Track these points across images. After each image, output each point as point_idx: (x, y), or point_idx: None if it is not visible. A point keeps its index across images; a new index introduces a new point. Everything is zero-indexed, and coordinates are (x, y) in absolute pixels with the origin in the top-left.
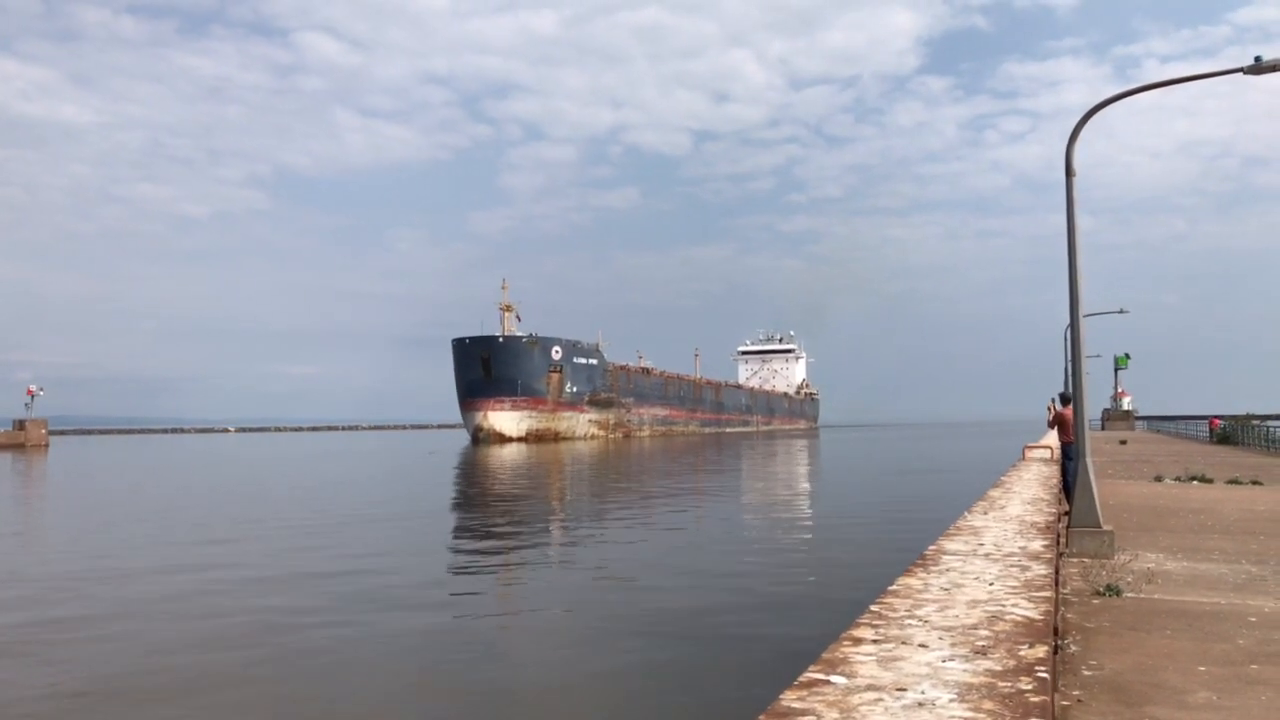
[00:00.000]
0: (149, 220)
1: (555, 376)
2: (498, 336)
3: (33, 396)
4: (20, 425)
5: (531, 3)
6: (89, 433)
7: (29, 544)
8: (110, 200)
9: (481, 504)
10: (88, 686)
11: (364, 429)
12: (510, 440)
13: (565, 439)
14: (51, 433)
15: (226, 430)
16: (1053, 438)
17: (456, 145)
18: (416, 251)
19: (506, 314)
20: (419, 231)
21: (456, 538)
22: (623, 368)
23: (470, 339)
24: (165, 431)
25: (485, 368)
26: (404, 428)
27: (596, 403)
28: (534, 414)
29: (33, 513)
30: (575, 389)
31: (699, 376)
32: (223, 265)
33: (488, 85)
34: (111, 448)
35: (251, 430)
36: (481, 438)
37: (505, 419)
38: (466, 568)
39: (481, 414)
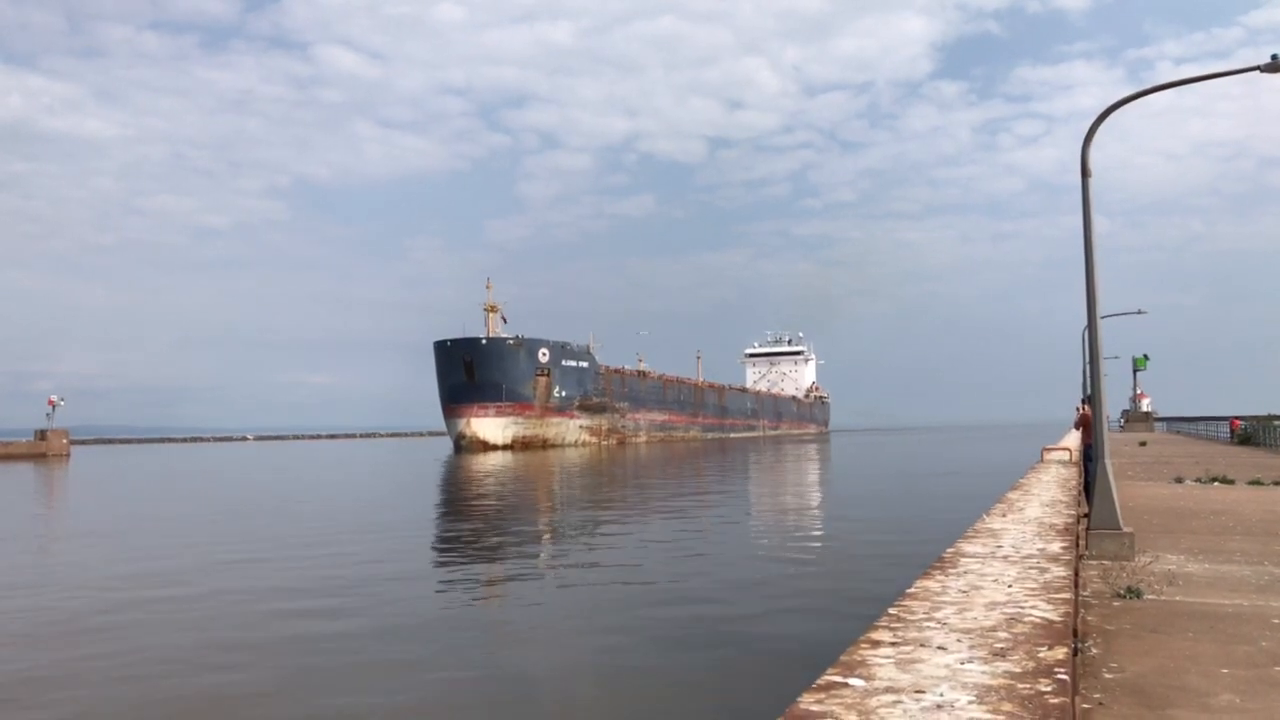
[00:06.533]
0: (170, 231)
1: (543, 380)
2: (481, 338)
3: (54, 407)
4: (42, 435)
5: (548, 14)
6: (110, 442)
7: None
8: (133, 212)
9: (464, 515)
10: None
11: (382, 435)
12: (495, 448)
13: (554, 446)
14: (73, 442)
15: (245, 439)
16: (1071, 439)
17: (474, 155)
18: (433, 260)
19: (491, 314)
20: (436, 240)
21: (446, 551)
22: (617, 371)
23: (452, 341)
24: (185, 440)
25: (468, 371)
26: (421, 434)
27: (588, 408)
28: (520, 420)
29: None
30: (564, 393)
31: (701, 379)
32: (242, 275)
33: (504, 95)
34: (132, 457)
35: (270, 439)
36: (464, 445)
37: (489, 425)
38: (461, 575)
39: (464, 420)
